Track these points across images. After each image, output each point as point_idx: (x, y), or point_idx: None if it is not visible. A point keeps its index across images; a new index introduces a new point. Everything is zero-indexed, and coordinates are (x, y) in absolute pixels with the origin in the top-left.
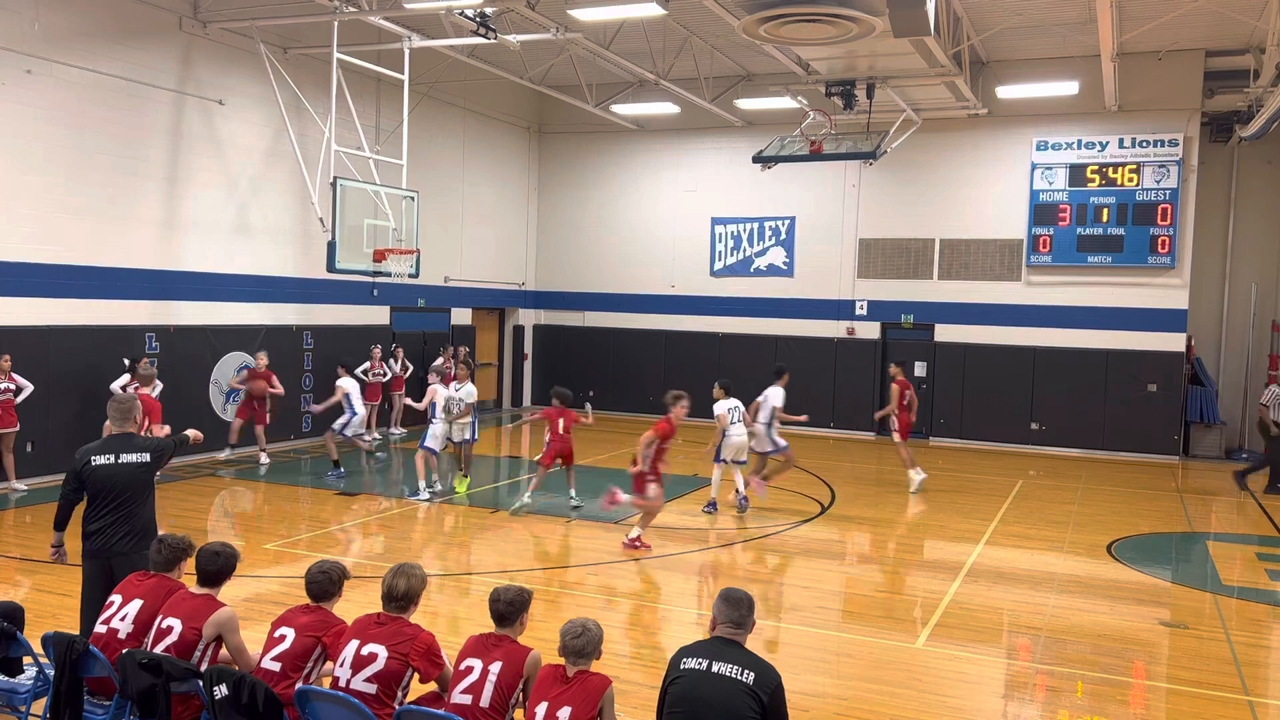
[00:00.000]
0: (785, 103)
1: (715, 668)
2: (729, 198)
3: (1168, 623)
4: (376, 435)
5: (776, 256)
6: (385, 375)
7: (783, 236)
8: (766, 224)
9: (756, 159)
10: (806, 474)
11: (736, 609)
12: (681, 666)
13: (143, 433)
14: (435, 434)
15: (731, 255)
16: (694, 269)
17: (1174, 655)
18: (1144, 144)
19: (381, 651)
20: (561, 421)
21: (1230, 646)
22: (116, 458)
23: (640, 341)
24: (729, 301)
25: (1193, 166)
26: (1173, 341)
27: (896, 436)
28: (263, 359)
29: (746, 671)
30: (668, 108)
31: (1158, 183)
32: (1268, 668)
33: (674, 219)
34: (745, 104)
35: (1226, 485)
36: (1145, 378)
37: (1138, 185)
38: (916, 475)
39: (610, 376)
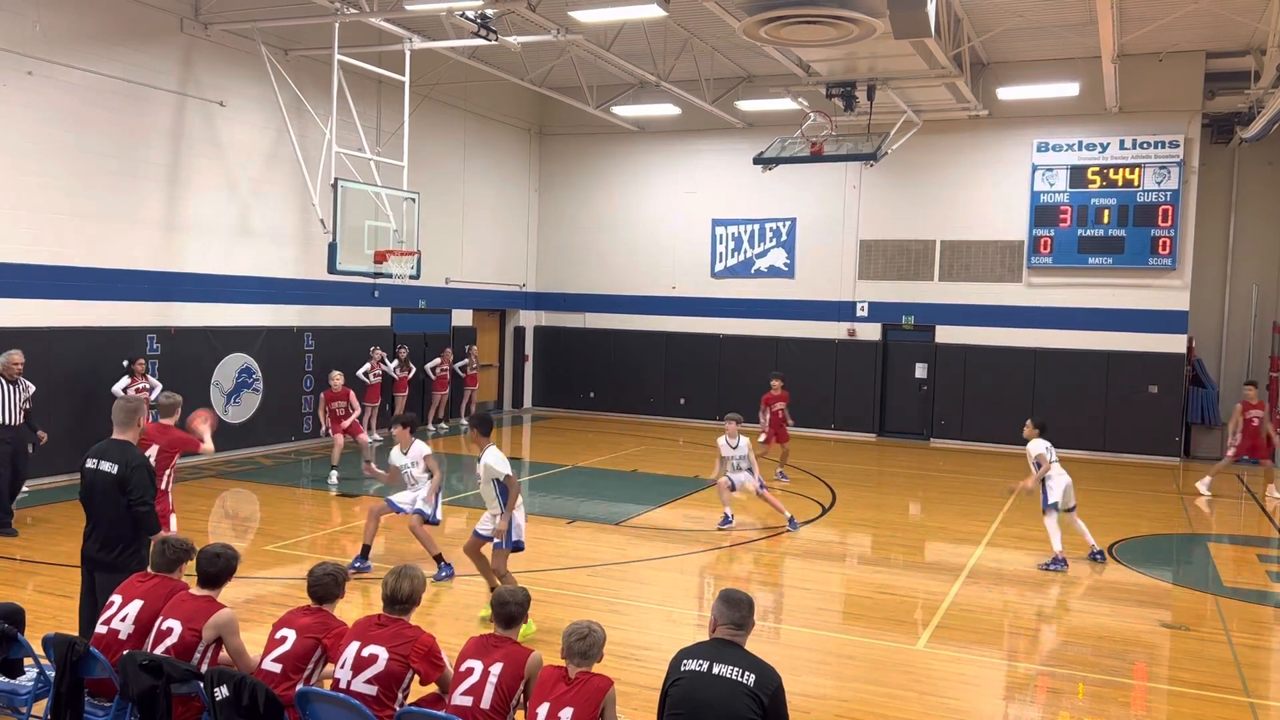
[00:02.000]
0: (786, 104)
1: (716, 669)
2: (730, 199)
3: (1169, 624)
4: (378, 437)
5: (777, 258)
6: (379, 377)
7: (783, 238)
8: (767, 225)
9: (757, 160)
10: (807, 475)
11: (737, 610)
12: (682, 668)
13: (169, 455)
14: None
15: (732, 257)
16: (695, 270)
17: (1175, 657)
18: (1145, 145)
19: (382, 653)
20: None
21: (1231, 648)
22: (98, 463)
23: (641, 343)
24: (730, 303)
25: (1194, 168)
26: (1174, 343)
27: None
28: (338, 378)
29: (747, 673)
30: (669, 109)
31: (1158, 184)
32: (1269, 669)
33: (675, 220)
34: (746, 105)
35: (1229, 486)
36: (1146, 379)
37: (1139, 186)
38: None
39: (610, 378)
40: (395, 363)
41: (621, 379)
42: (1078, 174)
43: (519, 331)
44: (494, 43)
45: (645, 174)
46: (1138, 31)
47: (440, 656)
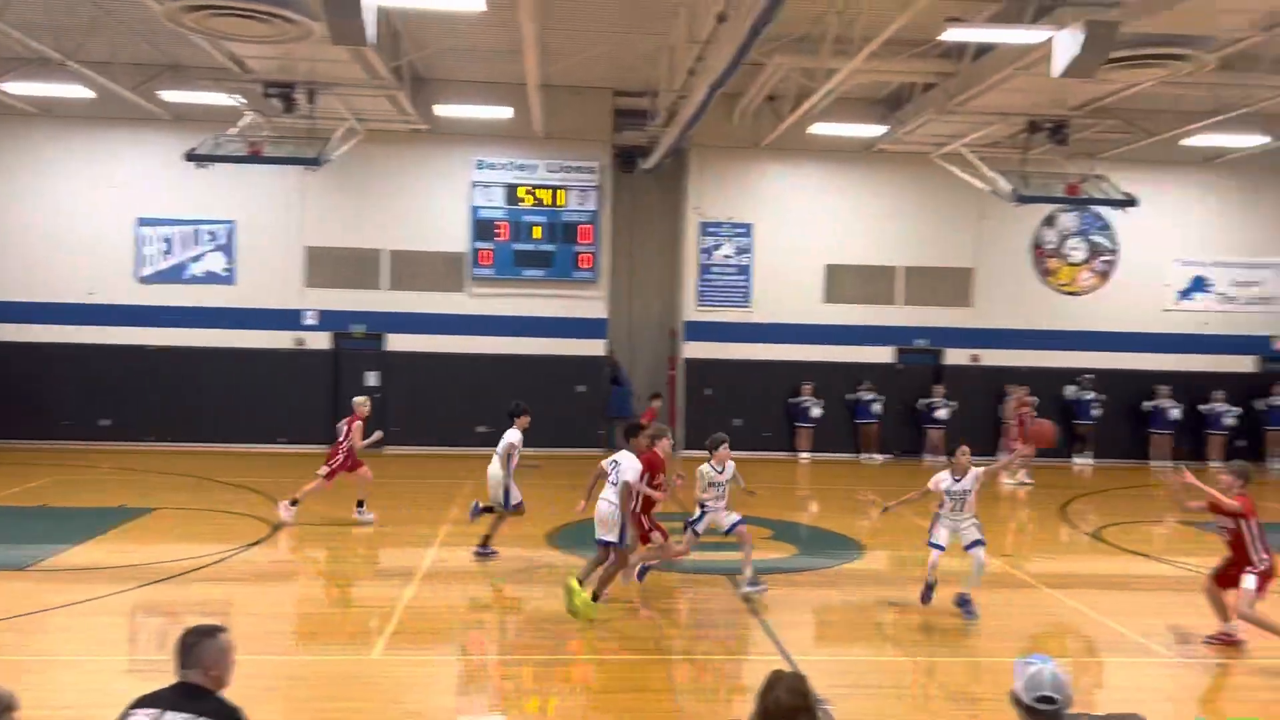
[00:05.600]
0: (220, 99)
1: (167, 718)
2: (159, 197)
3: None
4: None
5: (215, 263)
6: None
7: (222, 241)
8: (203, 228)
9: (190, 157)
10: (255, 493)
11: (181, 650)
12: None
13: None
14: None
15: (163, 260)
16: (117, 274)
17: (603, 629)
18: (569, 169)
19: None
20: None
21: (659, 615)
22: None
23: (49, 356)
24: (161, 311)
25: (607, 192)
26: (595, 347)
27: None
28: None
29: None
30: (80, 91)
31: (580, 205)
32: (674, 627)
33: (93, 218)
34: (171, 96)
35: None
36: (575, 380)
37: (564, 206)
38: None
39: (5, 398)
40: None
41: (23, 399)
42: (512, 192)
43: None
44: None
45: (54, 164)
46: (557, 65)
47: None
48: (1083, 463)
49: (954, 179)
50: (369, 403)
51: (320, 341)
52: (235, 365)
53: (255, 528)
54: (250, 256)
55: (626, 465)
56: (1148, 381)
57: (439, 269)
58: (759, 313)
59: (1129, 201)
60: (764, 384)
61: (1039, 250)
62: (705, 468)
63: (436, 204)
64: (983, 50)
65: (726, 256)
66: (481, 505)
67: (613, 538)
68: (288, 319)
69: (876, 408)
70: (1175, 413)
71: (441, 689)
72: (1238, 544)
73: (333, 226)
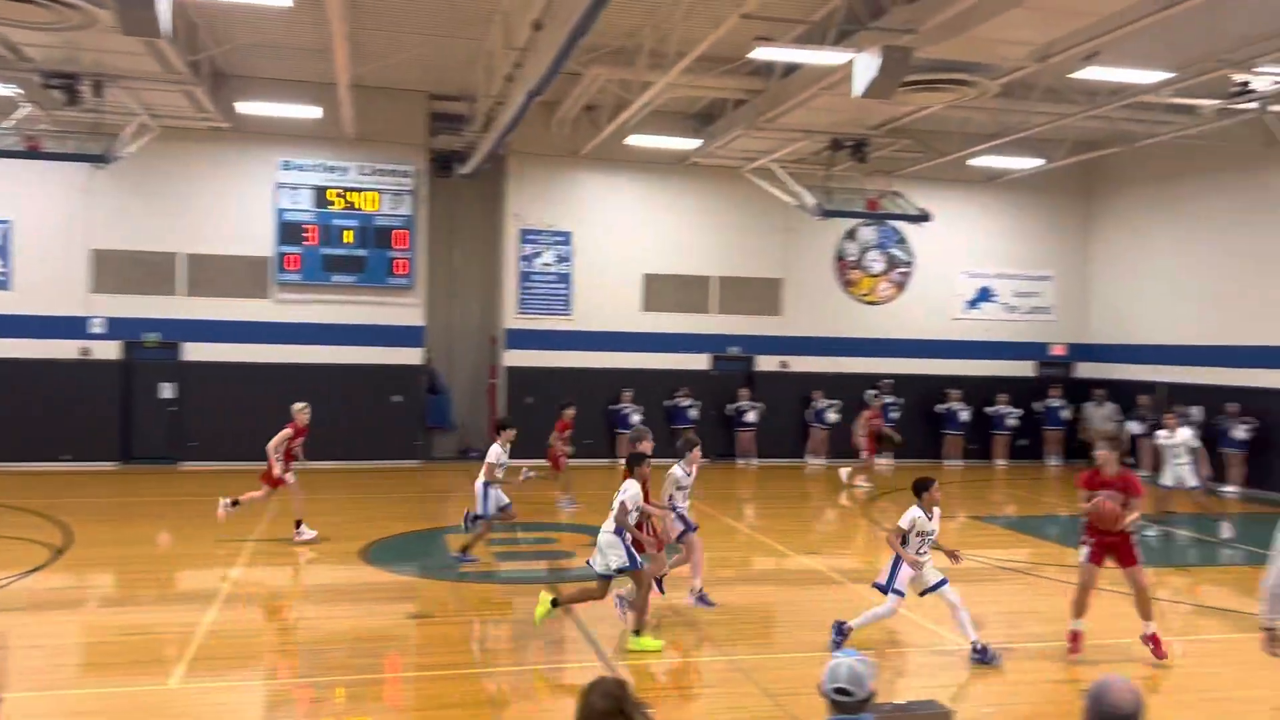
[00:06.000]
0: None
1: None
2: None
3: (415, 615)
4: None
5: None
6: None
7: None
8: None
9: None
10: (37, 516)
11: None
12: None
13: None
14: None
15: None
16: None
17: (422, 644)
18: (382, 173)
19: None
20: None
21: (467, 626)
22: None
23: None
24: None
25: (423, 197)
26: (411, 355)
27: None
28: None
29: None
30: None
31: (394, 209)
32: (497, 639)
33: None
34: None
35: (461, 483)
36: (390, 390)
37: (377, 210)
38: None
39: None
40: None
41: None
42: (321, 194)
43: None
44: None
45: None
46: (369, 65)
47: None
48: (884, 463)
49: (764, 192)
50: (308, 410)
51: (109, 351)
52: (12, 377)
53: (35, 553)
54: (28, 260)
55: (627, 489)
56: (940, 385)
57: (241, 274)
58: (580, 321)
59: (923, 217)
60: (585, 392)
61: (841, 262)
62: (677, 470)
63: (238, 206)
64: (790, 69)
65: (547, 264)
66: (474, 514)
67: (622, 563)
68: (72, 327)
69: (693, 413)
70: (965, 415)
71: (247, 715)
72: (1114, 516)
73: (123, 228)
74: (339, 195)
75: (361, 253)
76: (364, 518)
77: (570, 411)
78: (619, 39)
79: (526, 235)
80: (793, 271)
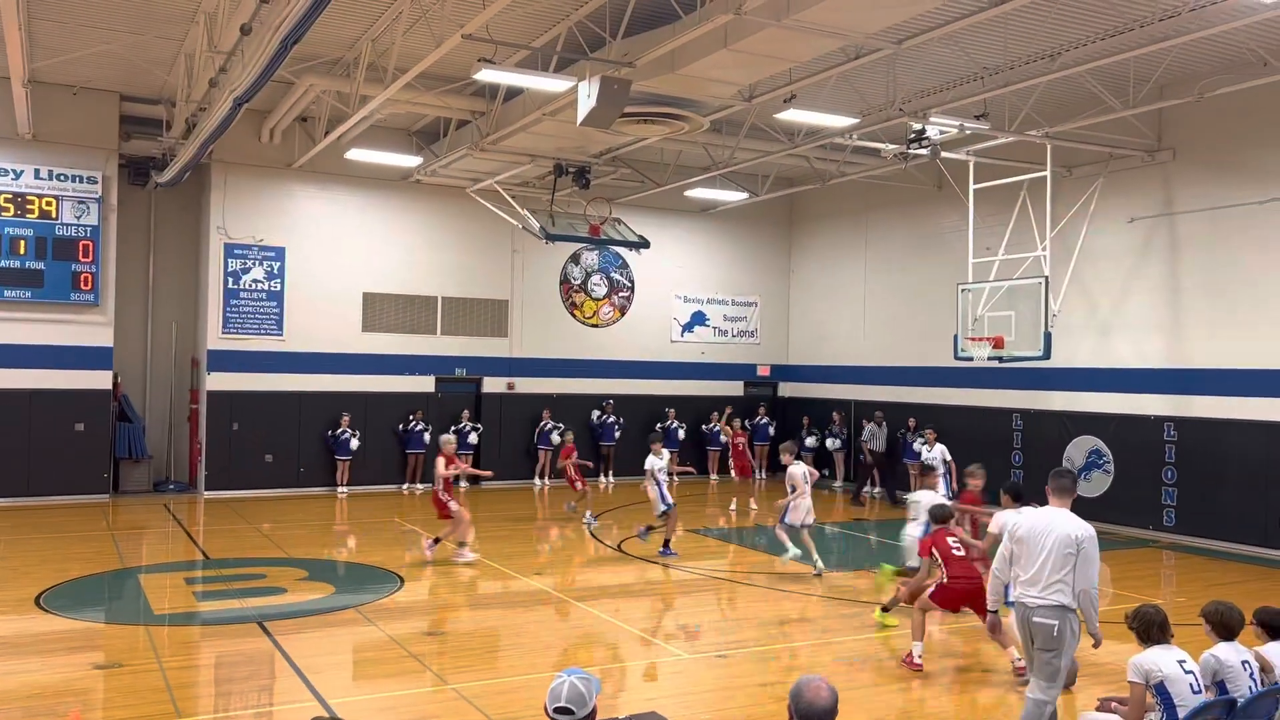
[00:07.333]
0: None
1: None
2: None
3: (102, 665)
4: None
5: None
6: None
7: None
8: None
9: None
10: None
11: None
12: None
13: None
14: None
15: None
16: None
17: (109, 696)
18: (63, 178)
19: None
20: None
21: (163, 674)
22: None
23: None
24: None
25: (113, 206)
26: (99, 379)
27: None
28: None
29: None
30: None
31: (78, 219)
32: (197, 686)
33: None
34: None
35: (156, 518)
36: (73, 417)
37: (58, 219)
38: None
39: None
40: None
41: None
42: None
43: None
44: None
45: None
46: (50, 60)
47: None
48: (605, 481)
49: (491, 214)
50: (454, 441)
51: None
52: None
53: None
54: None
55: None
56: (659, 404)
57: None
58: (293, 341)
59: (642, 244)
60: (299, 416)
61: (566, 285)
62: (654, 460)
63: None
64: (514, 93)
65: (256, 281)
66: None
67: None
68: None
69: (428, 437)
70: (681, 433)
71: None
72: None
73: None
74: (11, 201)
75: (39, 265)
76: (40, 560)
77: (570, 436)
78: (337, 49)
79: (233, 250)
80: (519, 293)
